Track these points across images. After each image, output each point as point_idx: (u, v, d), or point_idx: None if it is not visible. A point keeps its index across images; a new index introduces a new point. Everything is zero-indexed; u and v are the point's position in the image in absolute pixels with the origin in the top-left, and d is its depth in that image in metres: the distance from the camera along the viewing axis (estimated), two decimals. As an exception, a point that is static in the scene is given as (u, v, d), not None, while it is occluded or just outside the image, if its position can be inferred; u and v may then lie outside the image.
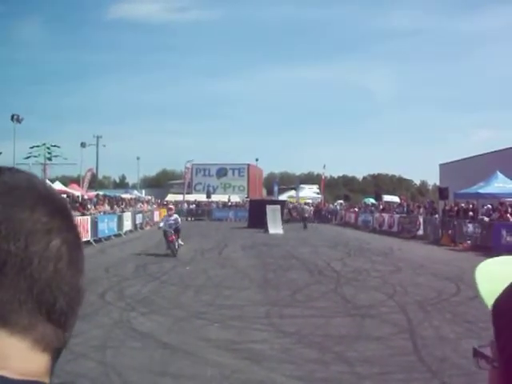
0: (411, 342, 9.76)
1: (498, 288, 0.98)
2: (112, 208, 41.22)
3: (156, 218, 54.61)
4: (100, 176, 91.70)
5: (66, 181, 55.31)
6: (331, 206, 69.10)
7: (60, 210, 0.87)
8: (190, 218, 64.87)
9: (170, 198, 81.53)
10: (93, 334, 10.12)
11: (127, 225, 40.09)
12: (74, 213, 28.80)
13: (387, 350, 9.37)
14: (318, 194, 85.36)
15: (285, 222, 49.41)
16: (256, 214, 45.99)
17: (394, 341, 9.95)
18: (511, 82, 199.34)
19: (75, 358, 8.54)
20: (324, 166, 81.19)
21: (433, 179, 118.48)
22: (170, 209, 27.59)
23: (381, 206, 52.68)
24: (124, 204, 46.92)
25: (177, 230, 25.41)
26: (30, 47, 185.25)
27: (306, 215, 54.23)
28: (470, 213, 32.61)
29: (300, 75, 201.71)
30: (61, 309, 0.83)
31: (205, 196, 76.15)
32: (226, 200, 77.31)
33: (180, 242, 25.52)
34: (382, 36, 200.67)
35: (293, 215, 57.73)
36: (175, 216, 26.00)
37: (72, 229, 0.88)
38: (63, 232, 0.85)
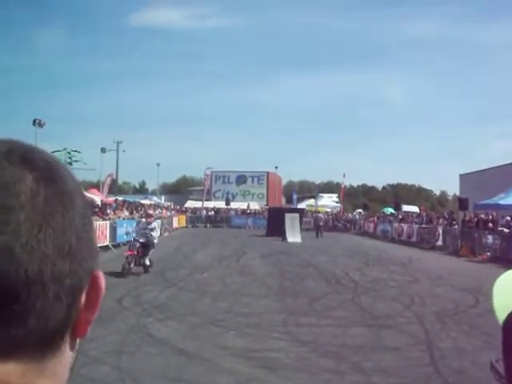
0: (428, 354, 9.69)
1: None
2: (131, 213, 41.34)
3: (175, 224, 54.75)
4: (120, 181, 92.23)
5: (86, 186, 55.60)
6: (350, 215, 68.89)
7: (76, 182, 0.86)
8: (208, 225, 64.95)
9: (189, 204, 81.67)
10: (109, 339, 10.14)
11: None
12: (93, 217, 28.96)
13: (404, 360, 9.31)
14: (337, 202, 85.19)
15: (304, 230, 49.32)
16: (275, 222, 45.93)
17: (411, 352, 9.88)
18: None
19: (91, 362, 8.56)
20: (344, 175, 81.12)
21: (453, 189, 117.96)
22: (150, 215, 23.26)
23: (400, 216, 52.47)
24: (143, 210, 47.04)
25: (147, 245, 20.49)
26: (52, 53, 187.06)
27: (321, 223, 53.98)
28: (490, 224, 32.40)
29: (320, 83, 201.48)
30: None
31: (224, 203, 76.14)
32: (245, 207, 77.29)
33: (147, 261, 20.31)
34: (404, 46, 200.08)
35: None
36: (154, 225, 21.28)
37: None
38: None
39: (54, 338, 0.77)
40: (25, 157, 0.76)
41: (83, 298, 0.81)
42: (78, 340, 0.84)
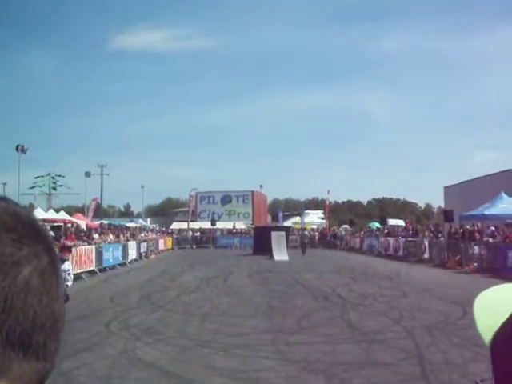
0: (419, 368, 9.67)
1: (498, 322, 0.94)
2: (117, 237, 41.23)
3: (161, 246, 54.61)
4: (105, 205, 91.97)
5: (70, 210, 55.57)
6: (336, 230, 68.93)
7: (28, 235, 0.80)
8: (194, 246, 64.84)
9: (175, 226, 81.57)
10: (98, 364, 10.09)
11: (132, 254, 40.01)
12: (77, 242, 28.81)
13: (395, 375, 9.28)
14: (322, 219, 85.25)
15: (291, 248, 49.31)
16: (261, 241, 45.92)
17: (402, 366, 9.85)
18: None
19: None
20: (328, 192, 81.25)
21: (437, 202, 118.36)
22: (65, 249, 15.50)
23: (386, 230, 52.56)
24: (129, 233, 46.95)
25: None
26: (33, 79, 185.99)
27: (306, 241, 54.01)
28: (477, 234, 32.51)
29: (301, 100, 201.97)
30: (37, 343, 0.78)
31: (209, 223, 76.09)
32: (231, 227, 77.26)
33: None
34: (384, 60, 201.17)
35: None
36: (66, 265, 12.91)
37: (44, 253, 0.81)
38: (33, 260, 0.78)
39: None
40: None
41: None
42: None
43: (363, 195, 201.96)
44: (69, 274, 12.93)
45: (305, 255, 46.84)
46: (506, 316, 0.93)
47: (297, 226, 71.86)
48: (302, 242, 52.36)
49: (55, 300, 0.82)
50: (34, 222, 0.83)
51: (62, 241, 10.75)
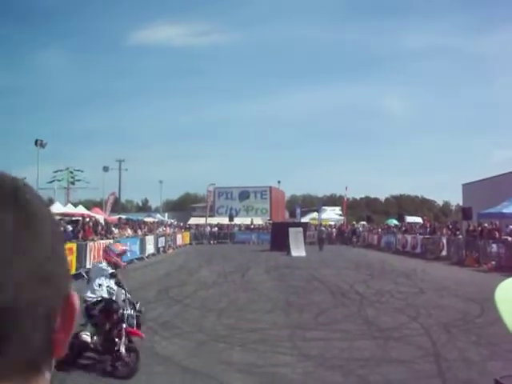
0: (435, 365, 9.64)
1: None
2: (135, 232, 41.35)
3: (179, 241, 54.68)
4: (123, 200, 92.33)
5: (88, 205, 55.54)
6: (356, 226, 68.72)
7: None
8: (212, 241, 64.88)
9: (193, 221, 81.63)
10: (115, 358, 10.11)
11: (150, 248, 40.14)
12: (95, 237, 28.89)
13: (411, 373, 9.26)
14: (340, 215, 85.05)
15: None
16: (278, 237, 45.89)
17: (418, 364, 9.82)
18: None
19: (96, 382, 8.53)
20: (346, 188, 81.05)
21: (456, 199, 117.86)
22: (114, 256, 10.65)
23: (403, 227, 52.39)
24: (146, 228, 47.06)
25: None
26: (52, 73, 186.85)
27: (323, 237, 54.13)
28: (495, 233, 32.31)
29: (321, 96, 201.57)
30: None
31: (227, 219, 76.11)
32: (249, 223, 77.25)
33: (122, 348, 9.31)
34: (404, 56, 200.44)
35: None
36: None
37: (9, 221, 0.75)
38: None
39: (35, 362, 0.77)
40: None
41: (59, 320, 0.80)
42: (53, 360, 0.83)
43: (381, 192, 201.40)
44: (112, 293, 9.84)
45: (322, 251, 46.81)
46: None
47: (314, 222, 71.73)
48: (320, 238, 52.33)
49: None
50: (16, 191, 0.78)
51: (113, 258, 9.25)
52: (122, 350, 9.16)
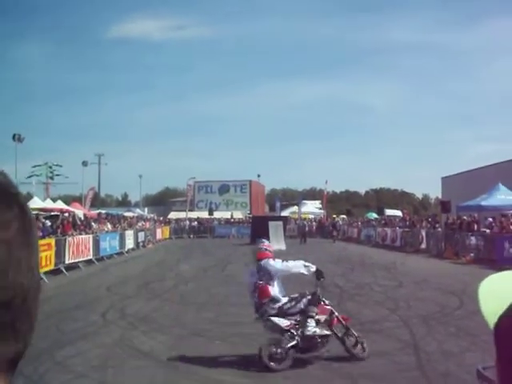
0: (415, 357, 9.68)
1: (503, 306, 0.93)
2: (114, 226, 41.20)
3: (158, 235, 54.58)
4: (102, 194, 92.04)
5: (68, 200, 55.26)
6: (334, 221, 68.96)
7: None
8: (192, 236, 64.77)
9: (173, 215, 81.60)
10: (94, 353, 10.10)
11: (129, 243, 39.99)
12: (74, 232, 28.76)
13: (391, 365, 9.29)
14: (320, 209, 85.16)
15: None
16: (258, 231, 45.73)
17: (398, 356, 9.86)
18: (511, 95, 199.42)
19: (76, 377, 8.52)
20: (326, 182, 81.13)
21: (435, 193, 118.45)
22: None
23: (383, 221, 52.62)
24: (126, 222, 46.90)
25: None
26: (30, 66, 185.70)
27: (306, 230, 54.39)
28: (475, 225, 32.49)
29: (300, 90, 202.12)
30: (3, 323, 0.73)
31: (207, 213, 76.10)
32: (229, 217, 77.29)
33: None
34: (384, 51, 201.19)
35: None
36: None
37: (14, 221, 0.75)
38: None
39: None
40: None
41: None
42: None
43: (361, 185, 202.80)
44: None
45: (305, 244, 47.08)
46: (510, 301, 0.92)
47: (294, 216, 71.85)
48: (303, 232, 52.50)
49: (25, 274, 0.76)
50: (5, 186, 0.78)
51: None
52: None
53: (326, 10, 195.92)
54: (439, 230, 36.91)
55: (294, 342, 9.33)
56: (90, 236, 30.40)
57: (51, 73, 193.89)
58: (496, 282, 1.05)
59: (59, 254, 24.10)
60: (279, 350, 9.24)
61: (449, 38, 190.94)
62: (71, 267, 25.51)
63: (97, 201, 67.09)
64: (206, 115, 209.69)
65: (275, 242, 41.75)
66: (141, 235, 45.55)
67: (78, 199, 59.65)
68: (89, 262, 28.63)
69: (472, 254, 29.76)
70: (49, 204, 37.08)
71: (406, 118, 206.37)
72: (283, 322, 9.58)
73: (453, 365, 9.05)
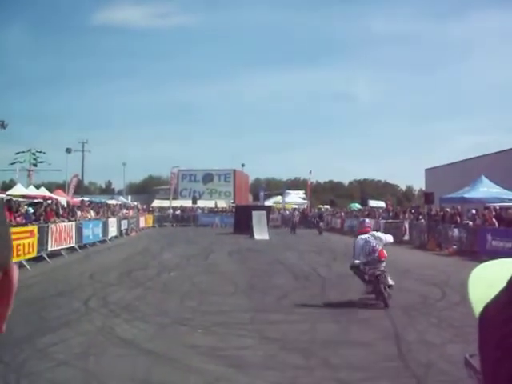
0: (396, 347, 9.72)
1: (490, 295, 0.93)
2: (97, 214, 41.06)
3: (142, 223, 54.49)
4: (86, 182, 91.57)
5: (51, 187, 54.97)
6: (320, 211, 69.08)
7: None
8: (175, 224, 64.72)
9: (156, 203, 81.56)
10: (75, 341, 10.05)
11: (112, 231, 39.87)
12: (57, 219, 28.62)
13: (372, 355, 9.32)
14: (303, 199, 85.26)
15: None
16: (242, 220, 46.05)
17: (379, 346, 9.90)
18: (494, 88, 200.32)
19: (57, 365, 8.49)
20: (310, 172, 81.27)
21: (419, 184, 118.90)
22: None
23: (366, 211, 52.77)
24: (109, 210, 46.75)
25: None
26: (13, 52, 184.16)
27: (295, 220, 54.50)
28: (458, 217, 32.63)
29: (285, 80, 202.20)
30: None
31: (191, 202, 76.07)
32: (212, 206, 77.31)
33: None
34: (367, 42, 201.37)
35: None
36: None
37: None
38: None
39: None
40: None
41: None
42: None
43: (345, 176, 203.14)
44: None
45: (295, 234, 47.48)
46: (499, 289, 0.92)
47: (278, 206, 71.92)
48: (292, 222, 52.69)
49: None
50: None
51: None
52: None
53: (312, 1, 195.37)
54: (422, 221, 37.04)
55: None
56: (73, 223, 30.27)
57: (35, 59, 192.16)
58: (487, 271, 1.06)
59: (42, 241, 23.99)
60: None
61: (432, 30, 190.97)
62: (54, 254, 25.42)
63: (80, 188, 66.83)
64: (190, 103, 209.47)
65: (258, 232, 41.99)
66: (124, 223, 45.44)
67: (62, 186, 59.48)
68: (71, 249, 28.55)
69: (455, 246, 29.94)
70: (32, 191, 36.92)
71: (390, 109, 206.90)
72: (388, 280, 14.38)
73: (434, 355, 9.09)
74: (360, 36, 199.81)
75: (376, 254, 14.42)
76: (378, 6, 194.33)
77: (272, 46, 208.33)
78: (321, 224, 52.88)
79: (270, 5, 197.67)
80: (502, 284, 0.93)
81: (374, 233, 15.56)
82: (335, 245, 35.10)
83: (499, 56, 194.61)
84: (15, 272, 0.79)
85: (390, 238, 15.71)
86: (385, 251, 14.60)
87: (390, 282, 14.31)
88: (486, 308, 0.93)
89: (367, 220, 17.03)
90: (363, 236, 14.98)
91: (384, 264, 14.49)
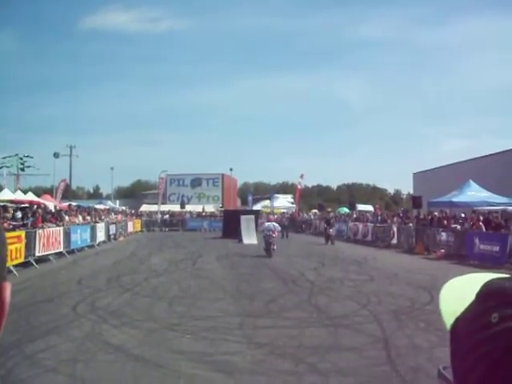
0: (385, 352, 9.73)
1: (461, 309, 0.95)
2: (85, 219, 40.95)
3: (130, 228, 54.40)
4: (74, 187, 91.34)
5: (39, 192, 54.81)
6: (305, 215, 69.10)
7: None
8: (164, 229, 64.65)
9: (144, 208, 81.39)
10: (63, 347, 10.02)
11: (100, 236, 39.79)
12: (45, 224, 28.51)
13: (361, 360, 9.32)
14: (292, 203, 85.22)
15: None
16: (230, 224, 46.07)
17: (368, 351, 9.90)
18: (482, 92, 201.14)
19: (45, 371, 8.46)
20: (302, 176, 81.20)
21: (407, 188, 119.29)
22: None
23: (355, 215, 52.87)
24: (97, 215, 46.63)
25: None
26: (1, 58, 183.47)
27: (286, 223, 54.54)
28: (444, 221, 32.76)
29: (275, 85, 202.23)
30: None
31: (179, 206, 76.00)
32: (201, 210, 77.23)
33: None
34: (356, 46, 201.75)
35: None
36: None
37: None
38: None
39: None
40: None
41: None
42: None
43: (333, 180, 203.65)
44: None
45: (288, 238, 47.43)
46: (469, 303, 0.95)
47: (266, 210, 71.91)
48: (283, 225, 52.66)
49: None
50: None
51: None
52: None
53: (302, 6, 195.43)
54: (410, 225, 37.15)
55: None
56: (61, 228, 30.17)
57: (23, 64, 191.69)
58: (458, 285, 1.08)
59: (29, 246, 23.92)
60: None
61: (421, 35, 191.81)
62: (41, 260, 25.36)
63: (68, 193, 66.64)
64: (178, 107, 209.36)
65: (247, 236, 41.96)
66: (112, 228, 45.36)
67: (49, 191, 59.23)
68: (59, 254, 28.47)
69: (442, 250, 30.04)
70: (19, 196, 36.78)
71: (379, 113, 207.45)
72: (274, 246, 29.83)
73: (422, 359, 9.11)
74: (349, 41, 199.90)
75: (271, 232, 30.13)
76: (367, 11, 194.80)
77: (261, 52, 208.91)
78: (330, 231, 43.22)
79: (260, 10, 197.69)
80: (472, 298, 0.95)
81: (273, 223, 32.94)
82: (323, 249, 35.11)
83: (486, 60, 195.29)
84: (8, 291, 0.79)
85: (278, 227, 32.05)
86: (276, 232, 30.83)
87: (275, 247, 30.11)
88: (457, 321, 0.95)
89: (271, 217, 41.55)
90: (268, 222, 32.50)
91: (275, 236, 30.54)
